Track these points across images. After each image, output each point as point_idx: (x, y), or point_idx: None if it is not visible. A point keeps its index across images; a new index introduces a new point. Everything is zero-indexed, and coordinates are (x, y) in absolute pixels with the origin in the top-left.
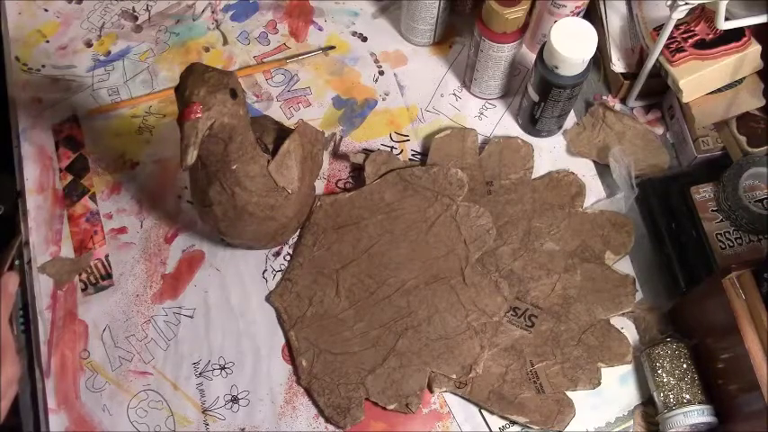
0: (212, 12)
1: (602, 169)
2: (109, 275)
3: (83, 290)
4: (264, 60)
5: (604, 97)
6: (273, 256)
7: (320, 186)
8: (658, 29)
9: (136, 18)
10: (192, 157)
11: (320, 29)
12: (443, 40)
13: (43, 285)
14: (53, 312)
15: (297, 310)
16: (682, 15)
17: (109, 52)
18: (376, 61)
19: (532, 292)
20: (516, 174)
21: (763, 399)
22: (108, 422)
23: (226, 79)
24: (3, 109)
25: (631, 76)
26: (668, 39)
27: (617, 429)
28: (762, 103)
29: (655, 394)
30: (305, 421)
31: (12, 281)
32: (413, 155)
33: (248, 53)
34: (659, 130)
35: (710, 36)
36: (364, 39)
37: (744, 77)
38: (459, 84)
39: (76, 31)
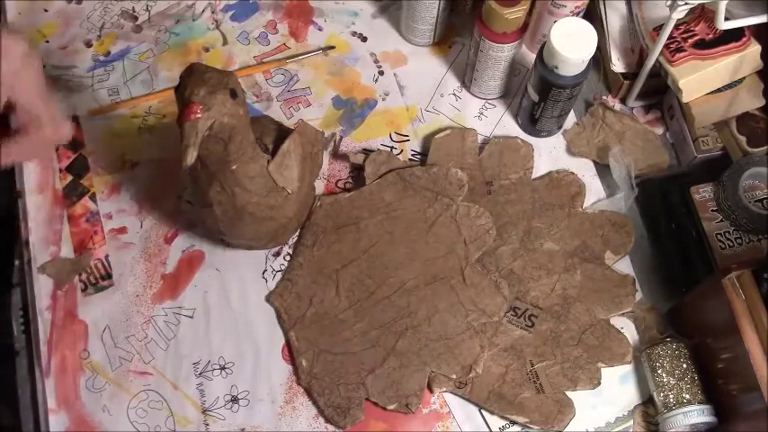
0: (212, 12)
1: (602, 169)
2: (109, 275)
3: (83, 290)
4: (264, 60)
5: (604, 97)
6: (273, 256)
7: (320, 186)
8: (658, 29)
9: (136, 18)
10: (191, 157)
11: (320, 29)
12: (443, 40)
13: (43, 285)
14: (53, 312)
15: (297, 310)
16: (682, 15)
17: (109, 52)
18: (376, 61)
19: (532, 292)
20: (516, 174)
21: (763, 399)
22: (108, 422)
23: (226, 79)
24: None
25: (631, 76)
26: (668, 39)
27: (617, 429)
28: (762, 103)
29: (655, 394)
30: (305, 421)
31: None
32: (413, 155)
33: (248, 53)
34: (659, 130)
35: (710, 36)
36: (364, 39)
37: (744, 77)
38: (459, 84)
39: (76, 31)
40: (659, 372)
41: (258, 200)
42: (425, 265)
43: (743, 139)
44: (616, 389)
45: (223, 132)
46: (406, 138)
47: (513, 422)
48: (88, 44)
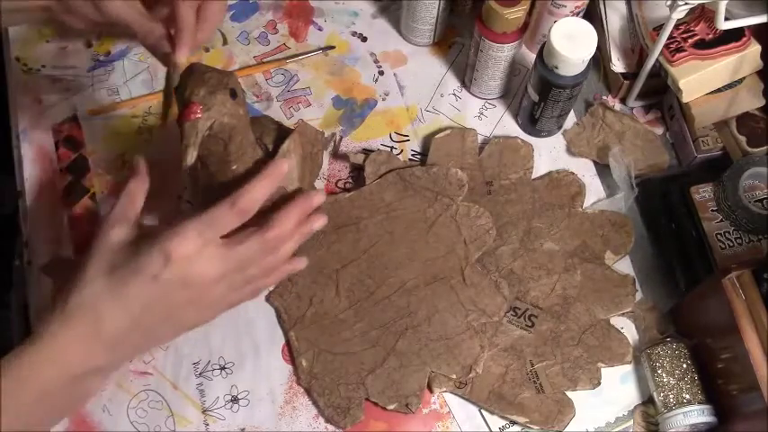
0: None
1: (602, 169)
2: None
3: None
4: (264, 60)
5: (604, 97)
6: None
7: (320, 186)
8: (658, 29)
9: None
10: (191, 157)
11: (320, 29)
12: (443, 40)
13: (43, 285)
14: None
15: (297, 310)
16: (682, 15)
17: (109, 52)
18: (376, 61)
19: (532, 292)
20: (516, 174)
21: (763, 399)
22: (108, 422)
23: (226, 79)
24: (3, 109)
25: (631, 76)
26: (668, 39)
27: (617, 429)
28: (762, 103)
29: (655, 394)
30: (305, 421)
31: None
32: (413, 155)
33: (248, 53)
34: (659, 130)
35: (710, 36)
36: (364, 39)
37: (744, 77)
38: (458, 84)
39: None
40: (659, 372)
41: None
42: (425, 265)
43: (743, 139)
44: (616, 389)
45: (223, 132)
46: (406, 138)
47: (513, 422)
48: (88, 44)
